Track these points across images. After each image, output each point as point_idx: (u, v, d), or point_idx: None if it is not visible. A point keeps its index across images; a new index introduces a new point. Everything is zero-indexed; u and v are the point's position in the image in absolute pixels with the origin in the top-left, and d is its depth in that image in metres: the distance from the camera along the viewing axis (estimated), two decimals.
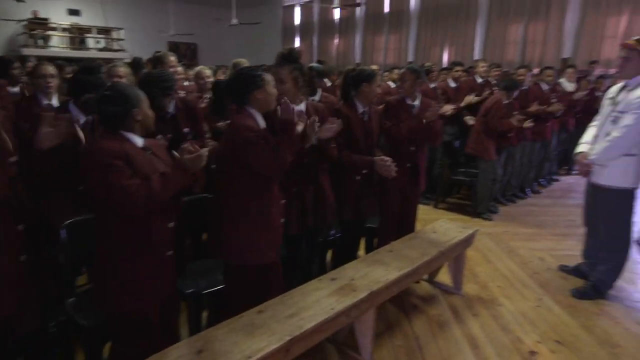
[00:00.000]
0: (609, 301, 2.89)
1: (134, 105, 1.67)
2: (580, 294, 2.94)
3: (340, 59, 12.93)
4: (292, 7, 14.23)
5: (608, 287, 2.93)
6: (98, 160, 1.57)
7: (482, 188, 4.55)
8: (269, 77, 2.00)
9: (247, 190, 1.99)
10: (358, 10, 12.15)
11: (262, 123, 2.00)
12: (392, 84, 5.38)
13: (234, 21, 10.27)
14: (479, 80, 5.32)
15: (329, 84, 5.72)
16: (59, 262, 2.00)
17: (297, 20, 14.21)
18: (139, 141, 1.71)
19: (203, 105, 3.43)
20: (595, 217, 2.95)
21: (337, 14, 12.66)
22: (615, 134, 2.63)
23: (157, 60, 3.44)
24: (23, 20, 11.60)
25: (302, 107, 2.27)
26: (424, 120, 2.77)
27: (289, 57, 2.20)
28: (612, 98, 2.79)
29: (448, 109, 4.75)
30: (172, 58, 3.46)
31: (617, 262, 2.85)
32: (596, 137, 2.84)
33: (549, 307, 2.82)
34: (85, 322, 1.89)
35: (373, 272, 2.27)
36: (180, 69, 4.34)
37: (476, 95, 4.99)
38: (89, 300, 1.89)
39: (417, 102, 2.91)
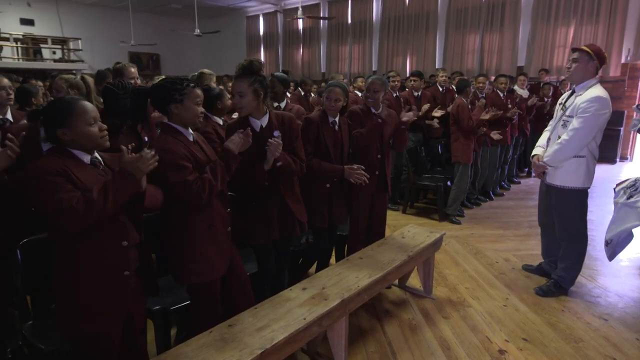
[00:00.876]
0: (570, 297, 3.01)
1: (60, 125, 1.53)
2: (543, 292, 3.04)
3: (305, 69, 13.04)
4: (256, 17, 14.24)
5: (569, 284, 3.05)
6: (36, 177, 1.45)
7: (457, 192, 4.66)
8: (195, 93, 1.86)
9: (187, 207, 1.88)
10: (321, 20, 12.31)
11: (189, 136, 1.88)
12: (358, 93, 5.46)
13: (197, 31, 10.14)
14: (440, 89, 5.52)
15: (302, 93, 5.79)
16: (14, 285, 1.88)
17: (261, 30, 14.22)
18: (85, 157, 1.59)
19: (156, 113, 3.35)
20: (550, 216, 3.08)
21: (300, 24, 12.77)
22: (564, 137, 2.78)
23: (117, 72, 3.35)
24: None
25: (265, 119, 2.21)
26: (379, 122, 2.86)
27: (249, 69, 2.12)
28: (562, 103, 2.95)
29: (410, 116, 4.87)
30: (132, 69, 3.38)
31: (576, 258, 2.98)
32: (549, 141, 2.98)
33: (515, 306, 2.90)
34: (44, 346, 1.77)
35: (344, 279, 2.26)
36: (138, 81, 4.24)
37: (438, 103, 5.15)
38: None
39: (381, 111, 2.95)
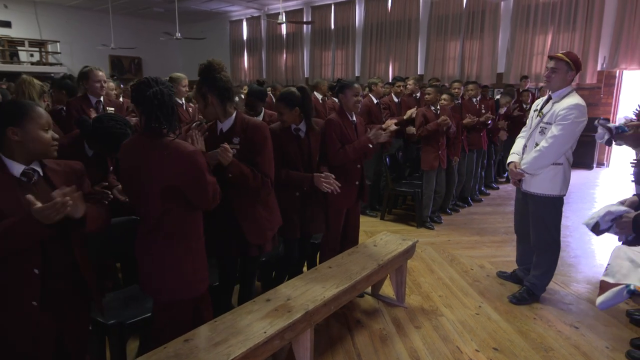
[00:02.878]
0: (543, 304, 3.00)
1: (11, 123, 1.43)
2: (516, 299, 3.02)
3: (289, 74, 13.01)
4: (239, 21, 14.17)
5: (541, 291, 3.04)
6: None
7: (425, 198, 4.65)
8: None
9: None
10: (305, 26, 12.31)
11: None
12: (374, 99, 5.34)
13: (178, 35, 10.03)
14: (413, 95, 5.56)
15: (319, 97, 5.66)
16: None
17: (244, 34, 14.15)
18: (15, 168, 1.47)
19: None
20: (525, 224, 3.07)
21: (284, 29, 12.75)
22: (543, 144, 2.76)
23: (82, 76, 3.24)
24: None
25: (227, 123, 2.12)
26: (371, 143, 2.79)
27: (207, 72, 2.02)
28: (538, 110, 2.94)
29: (390, 123, 4.86)
30: (100, 73, 3.27)
31: (548, 265, 2.97)
32: (525, 147, 2.97)
33: (488, 315, 2.87)
34: None
35: (310, 290, 2.20)
36: (112, 84, 4.14)
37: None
38: None
39: (355, 119, 2.92)
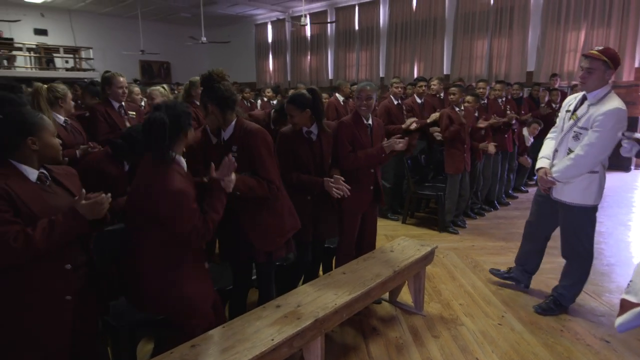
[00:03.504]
0: (571, 316, 2.84)
1: (31, 133, 1.52)
2: (542, 310, 2.87)
3: (313, 76, 13.01)
4: (264, 24, 14.30)
5: (570, 301, 2.88)
6: None
7: (448, 202, 4.51)
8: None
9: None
10: (329, 27, 12.29)
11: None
12: (394, 100, 5.23)
13: (203, 39, 10.20)
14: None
15: (341, 98, 5.63)
16: None
17: (269, 37, 14.26)
18: (32, 174, 1.54)
19: None
20: (543, 226, 2.95)
21: (308, 31, 12.77)
22: (578, 151, 2.54)
23: (105, 81, 3.32)
24: None
25: (228, 131, 2.10)
26: (384, 152, 2.72)
27: (207, 82, 2.03)
28: (571, 111, 2.70)
29: (410, 122, 4.75)
30: (121, 79, 3.34)
31: (579, 276, 2.80)
32: (556, 152, 2.76)
33: (511, 325, 2.74)
34: None
35: (322, 296, 2.15)
36: (137, 89, 4.23)
37: (437, 110, 5.02)
38: None
39: (371, 121, 2.84)
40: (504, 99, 5.18)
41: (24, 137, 1.51)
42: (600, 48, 2.54)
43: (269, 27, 14.14)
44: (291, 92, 6.92)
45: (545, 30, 8.58)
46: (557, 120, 2.91)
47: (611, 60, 2.48)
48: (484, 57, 9.50)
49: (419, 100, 5.21)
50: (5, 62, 11.71)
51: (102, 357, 2.05)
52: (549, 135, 2.98)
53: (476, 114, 4.59)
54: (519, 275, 3.13)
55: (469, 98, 4.51)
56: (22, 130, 1.51)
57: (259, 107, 7.13)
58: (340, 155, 2.70)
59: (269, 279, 2.42)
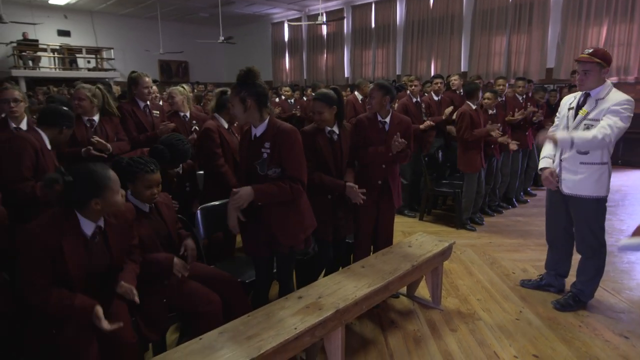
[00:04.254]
0: (590, 312, 2.84)
1: (96, 195, 1.68)
2: (561, 306, 2.88)
3: (329, 74, 13.06)
4: (281, 23, 14.40)
5: (589, 297, 2.88)
6: (24, 241, 1.62)
7: (465, 199, 4.52)
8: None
9: None
10: (345, 25, 12.31)
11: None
12: (434, 95, 5.24)
13: (221, 39, 10.36)
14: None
15: (360, 97, 5.70)
16: None
17: (286, 36, 14.36)
18: (88, 229, 1.74)
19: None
20: (560, 229, 2.95)
21: (324, 29, 12.82)
22: (603, 129, 2.50)
23: (132, 81, 3.44)
24: (12, 42, 11.67)
25: (261, 128, 2.16)
26: (392, 152, 2.75)
27: (238, 79, 2.10)
28: (574, 108, 2.73)
29: (427, 124, 4.80)
30: (147, 79, 3.46)
31: (595, 270, 2.81)
32: (560, 150, 2.78)
33: (529, 320, 2.76)
34: None
35: (342, 289, 2.22)
36: (155, 88, 4.36)
37: (457, 107, 5.02)
38: None
39: (387, 119, 2.87)
40: (524, 96, 5.14)
41: (89, 199, 1.68)
42: (590, 50, 2.64)
43: (286, 25, 14.23)
44: (309, 89, 7.05)
45: (565, 26, 8.45)
46: (557, 119, 2.94)
47: (603, 59, 2.57)
48: (502, 54, 9.41)
49: (435, 98, 5.22)
50: (30, 63, 12.10)
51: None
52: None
53: (494, 112, 4.58)
54: (552, 281, 3.11)
55: (487, 95, 4.50)
56: (88, 193, 1.68)
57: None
58: (350, 148, 2.78)
59: (289, 273, 2.49)
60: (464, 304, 3.00)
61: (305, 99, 6.95)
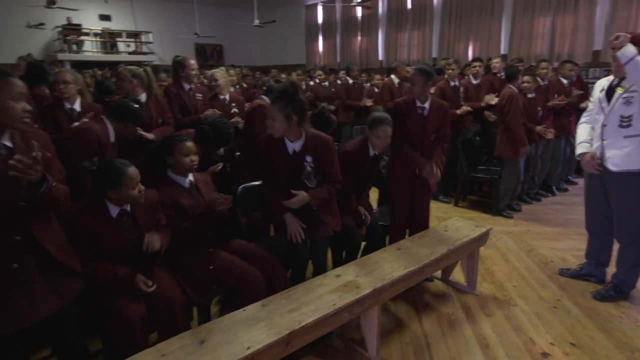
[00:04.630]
0: (631, 303, 2.77)
1: (111, 187, 1.90)
2: (601, 296, 2.82)
3: (363, 57, 12.89)
4: (314, 6, 14.26)
5: (630, 287, 2.80)
6: (76, 224, 1.88)
7: (504, 186, 4.43)
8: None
9: None
10: (380, 7, 12.07)
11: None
12: (473, 79, 5.18)
13: (256, 22, 10.39)
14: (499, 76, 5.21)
15: (396, 81, 5.66)
16: None
17: (319, 19, 14.22)
18: (113, 211, 1.97)
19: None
20: (598, 216, 2.88)
21: (359, 11, 12.61)
22: None
23: (179, 64, 3.51)
24: (57, 27, 12.14)
25: (299, 143, 2.30)
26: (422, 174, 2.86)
27: (284, 94, 2.18)
28: (605, 89, 2.69)
29: (465, 110, 4.71)
30: (192, 62, 3.54)
31: (635, 258, 2.73)
32: (604, 127, 2.67)
33: (567, 309, 2.72)
34: None
35: (379, 269, 2.26)
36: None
37: (497, 91, 4.88)
38: None
39: (427, 105, 2.85)
40: (570, 80, 4.92)
41: (105, 189, 1.92)
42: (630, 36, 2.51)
43: (319, 8, 14.09)
44: (342, 72, 6.98)
45: (615, 5, 7.95)
46: (590, 104, 2.89)
47: (637, 43, 2.47)
48: (545, 36, 8.98)
49: (474, 81, 5.08)
50: (74, 47, 12.58)
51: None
52: (582, 121, 2.95)
53: (533, 95, 4.42)
54: (593, 270, 3.05)
55: (526, 78, 4.36)
56: (105, 184, 1.91)
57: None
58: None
59: (325, 253, 2.59)
60: (500, 290, 2.99)
61: (339, 82, 6.88)
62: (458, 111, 4.69)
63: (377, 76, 6.68)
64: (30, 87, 3.70)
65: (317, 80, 7.23)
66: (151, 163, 2.30)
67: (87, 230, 1.88)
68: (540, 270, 3.27)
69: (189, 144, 2.24)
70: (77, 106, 3.00)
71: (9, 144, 1.53)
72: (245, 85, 7.18)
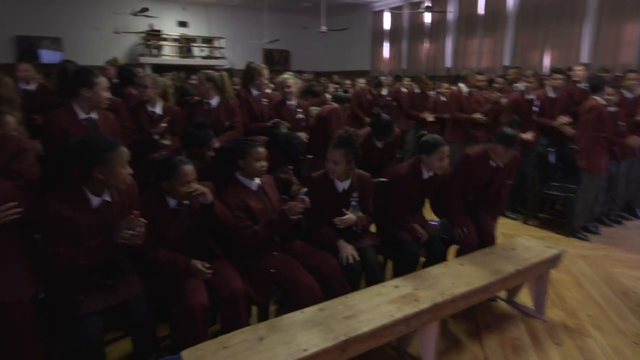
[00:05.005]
0: None
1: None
2: None
3: (430, 64, 12.59)
4: (381, 12, 14.20)
5: None
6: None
7: (581, 204, 4.10)
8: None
9: None
10: (451, 12, 11.74)
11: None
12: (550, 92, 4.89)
13: (323, 29, 10.54)
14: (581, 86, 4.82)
15: (465, 90, 5.49)
16: None
17: (386, 25, 14.13)
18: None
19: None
20: None
21: (427, 17, 12.35)
22: None
23: (254, 72, 3.62)
24: (141, 33, 13.15)
25: (347, 182, 2.54)
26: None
27: (347, 141, 2.44)
28: None
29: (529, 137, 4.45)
30: (266, 71, 3.68)
31: None
32: None
33: None
34: None
35: (439, 284, 2.18)
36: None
37: (576, 102, 4.53)
38: None
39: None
40: None
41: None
42: None
43: (386, 14, 14.00)
44: (406, 79, 6.83)
45: None
46: None
47: None
48: (634, 44, 8.21)
49: (552, 95, 4.68)
50: (155, 51, 13.55)
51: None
52: None
53: (616, 109, 4.05)
54: None
55: (609, 90, 4.00)
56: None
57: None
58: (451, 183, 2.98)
59: (376, 257, 2.63)
60: (572, 318, 2.76)
61: (405, 90, 6.68)
62: (523, 135, 4.37)
63: (445, 84, 6.47)
64: (121, 87, 4.04)
65: (360, 87, 6.96)
66: (220, 164, 2.41)
67: (149, 219, 1.89)
68: (620, 301, 2.97)
69: (262, 149, 2.32)
70: (157, 109, 3.23)
71: (108, 199, 1.92)
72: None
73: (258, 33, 13.92)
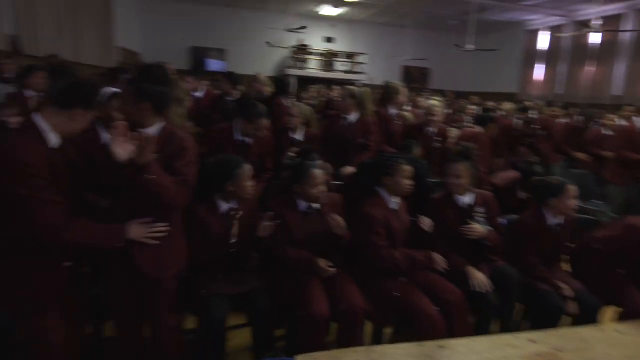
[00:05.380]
0: None
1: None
2: None
3: (594, 90, 10.99)
4: (535, 31, 12.98)
5: None
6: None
7: None
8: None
9: None
10: (622, 33, 10.14)
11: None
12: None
13: (469, 47, 10.08)
14: None
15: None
16: None
17: (539, 45, 12.86)
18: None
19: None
20: None
21: (597, 37, 10.85)
22: None
23: (394, 91, 3.60)
24: (291, 47, 14.32)
25: (469, 197, 2.49)
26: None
27: (466, 155, 2.53)
28: None
29: None
30: (406, 90, 3.68)
31: None
32: None
33: None
34: None
35: (589, 350, 1.83)
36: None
37: None
38: None
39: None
40: None
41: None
42: None
43: (541, 33, 12.75)
44: (557, 109, 5.99)
45: None
46: None
47: None
48: None
49: None
50: (301, 64, 14.63)
51: None
52: None
53: None
54: None
55: None
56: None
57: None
58: None
59: (513, 305, 2.43)
60: None
61: (567, 121, 5.87)
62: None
63: (611, 116, 5.45)
64: (274, 97, 4.25)
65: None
66: (363, 177, 2.45)
67: (280, 220, 2.14)
68: None
69: (410, 167, 2.30)
70: (299, 136, 3.44)
71: (235, 206, 2.19)
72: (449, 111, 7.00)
73: (398, 50, 13.97)
